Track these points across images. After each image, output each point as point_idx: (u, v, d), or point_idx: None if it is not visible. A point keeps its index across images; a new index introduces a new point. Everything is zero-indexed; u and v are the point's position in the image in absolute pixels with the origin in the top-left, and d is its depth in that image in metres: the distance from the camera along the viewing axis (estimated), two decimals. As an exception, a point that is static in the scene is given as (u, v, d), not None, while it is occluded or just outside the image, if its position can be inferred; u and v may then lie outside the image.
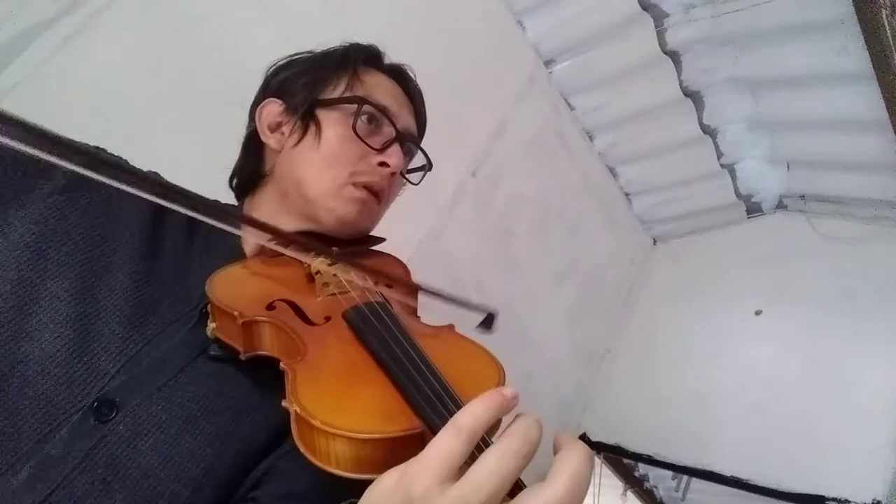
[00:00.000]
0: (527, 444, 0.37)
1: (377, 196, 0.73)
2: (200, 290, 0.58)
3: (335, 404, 0.44)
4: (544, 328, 2.37)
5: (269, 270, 0.66)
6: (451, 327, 0.60)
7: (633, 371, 2.61)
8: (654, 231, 2.88)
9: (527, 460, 0.37)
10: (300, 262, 0.65)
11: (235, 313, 0.54)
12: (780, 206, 2.58)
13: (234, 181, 0.80)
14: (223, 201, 0.77)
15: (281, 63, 0.79)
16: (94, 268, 0.57)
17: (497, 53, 2.05)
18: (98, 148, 0.67)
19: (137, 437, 0.52)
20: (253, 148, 0.77)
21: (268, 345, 0.54)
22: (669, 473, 2.84)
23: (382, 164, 0.72)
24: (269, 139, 0.75)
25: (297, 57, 0.79)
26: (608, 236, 2.66)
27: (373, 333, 0.51)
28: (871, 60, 1.75)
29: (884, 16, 1.62)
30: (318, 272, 0.62)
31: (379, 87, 0.76)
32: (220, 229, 0.71)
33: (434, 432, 0.39)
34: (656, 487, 3.14)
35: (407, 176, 0.80)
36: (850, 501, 1.92)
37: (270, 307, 0.56)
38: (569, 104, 2.36)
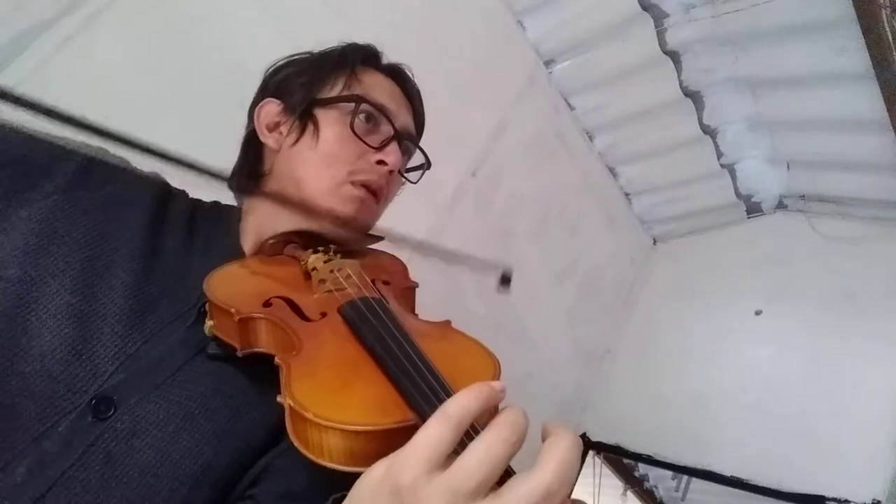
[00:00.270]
0: (515, 433, 0.37)
1: (376, 195, 0.73)
2: (200, 289, 0.58)
3: (329, 398, 0.44)
4: (544, 328, 2.37)
5: (266, 269, 0.66)
6: (447, 323, 0.60)
7: (633, 371, 2.61)
8: (654, 231, 2.88)
9: (515, 448, 0.37)
10: (297, 259, 0.66)
11: (232, 310, 0.54)
12: (780, 206, 2.58)
13: (234, 181, 0.80)
14: (223, 201, 0.78)
15: (279, 63, 0.79)
16: (95, 266, 0.58)
17: (497, 53, 2.06)
18: (100, 148, 0.68)
19: (135, 435, 0.52)
20: (252, 148, 0.78)
21: (264, 341, 0.54)
22: (669, 473, 2.84)
23: (381, 162, 0.72)
24: (268, 139, 0.75)
25: (295, 57, 0.80)
26: (608, 236, 2.66)
27: (368, 328, 0.51)
28: (871, 60, 1.75)
29: (884, 16, 1.62)
30: (314, 269, 0.62)
31: (377, 87, 0.76)
32: (220, 230, 0.71)
33: None
34: (656, 487, 3.14)
35: (406, 175, 0.81)
36: (850, 501, 1.92)
37: (267, 304, 0.56)
38: (569, 104, 2.36)
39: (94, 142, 0.55)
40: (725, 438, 2.24)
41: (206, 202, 0.75)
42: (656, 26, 2.03)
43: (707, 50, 2.06)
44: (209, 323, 0.57)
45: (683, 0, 1.95)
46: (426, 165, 0.83)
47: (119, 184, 0.65)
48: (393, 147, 0.73)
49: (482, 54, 1.99)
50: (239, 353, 0.55)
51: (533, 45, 2.17)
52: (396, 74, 0.80)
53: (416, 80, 0.83)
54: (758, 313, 2.43)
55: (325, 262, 0.63)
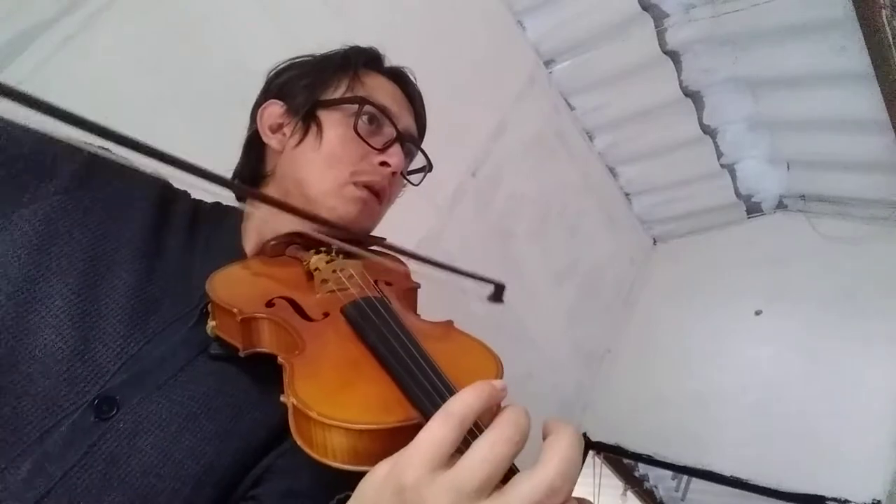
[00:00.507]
0: (518, 432, 0.37)
1: (378, 196, 0.73)
2: (202, 289, 0.58)
3: (332, 397, 0.44)
4: (544, 328, 2.37)
5: (268, 269, 0.66)
6: (449, 323, 0.60)
7: (633, 371, 2.61)
8: (654, 231, 2.89)
9: (518, 447, 0.37)
10: (299, 260, 0.66)
11: (235, 310, 0.54)
12: (780, 206, 2.58)
13: (236, 182, 0.80)
14: (223, 202, 0.78)
15: (282, 66, 0.80)
16: (97, 266, 0.58)
17: (497, 53, 2.06)
18: (102, 147, 0.68)
19: (137, 435, 0.52)
20: (254, 149, 0.78)
21: (266, 341, 0.54)
22: (669, 473, 2.84)
23: (383, 163, 0.72)
24: (271, 140, 0.75)
25: (297, 59, 0.80)
26: (608, 236, 2.66)
27: (371, 328, 0.51)
28: (871, 60, 1.75)
29: (884, 16, 1.62)
30: (316, 269, 0.62)
31: (379, 89, 0.76)
32: (222, 230, 0.71)
33: None
34: (656, 487, 3.14)
35: (407, 177, 0.81)
36: (850, 501, 1.92)
37: (269, 304, 0.56)
38: (569, 104, 2.36)
39: (97, 142, 0.55)
40: (725, 438, 2.24)
41: (207, 203, 0.75)
42: (656, 26, 2.03)
43: (707, 50, 2.06)
44: (211, 323, 0.58)
45: (683, 0, 1.95)
46: (428, 167, 0.84)
47: (121, 183, 0.65)
48: (396, 149, 0.73)
49: (482, 54, 1.99)
50: (241, 354, 0.55)
51: (533, 45, 2.18)
52: (398, 77, 0.81)
53: (417, 82, 0.83)
54: (758, 313, 2.43)
55: (327, 262, 0.63)
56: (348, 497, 0.40)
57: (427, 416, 0.40)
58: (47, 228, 0.57)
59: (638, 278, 2.81)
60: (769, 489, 2.07)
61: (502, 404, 0.41)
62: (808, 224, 2.45)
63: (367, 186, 0.71)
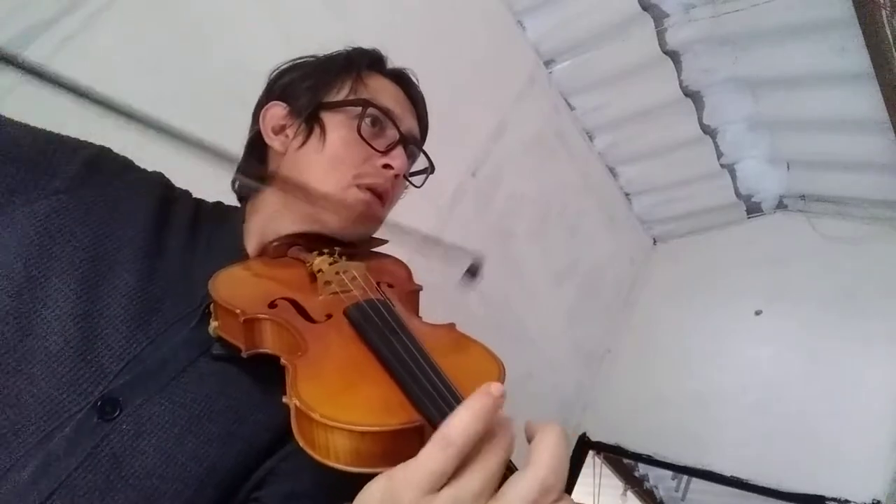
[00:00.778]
0: (504, 449, 0.38)
1: (381, 198, 0.73)
2: (204, 289, 0.58)
3: (335, 398, 0.44)
4: (544, 328, 2.37)
5: (271, 270, 0.66)
6: (451, 325, 0.60)
7: (633, 371, 2.61)
8: (654, 231, 2.89)
9: (507, 452, 0.38)
10: (302, 261, 0.66)
11: (237, 311, 0.54)
12: (780, 206, 2.59)
13: (237, 183, 0.80)
14: (225, 202, 0.78)
15: (284, 66, 0.79)
16: (99, 266, 0.58)
17: (497, 53, 2.06)
18: (103, 147, 0.68)
19: (140, 436, 0.52)
20: (256, 150, 0.78)
21: (269, 342, 0.54)
22: (669, 473, 2.85)
23: (386, 166, 0.72)
24: (274, 141, 0.75)
25: (299, 61, 0.80)
26: (608, 236, 2.66)
27: (373, 329, 0.51)
28: (871, 60, 1.75)
29: (884, 16, 1.62)
30: (319, 270, 0.62)
31: (382, 91, 0.76)
32: (223, 230, 0.71)
33: (434, 426, 0.39)
34: (656, 487, 3.15)
35: (409, 179, 0.81)
36: (850, 501, 1.92)
37: (272, 305, 0.56)
38: (569, 104, 2.36)
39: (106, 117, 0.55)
40: (725, 438, 2.24)
41: (208, 203, 0.75)
42: (656, 26, 2.03)
43: (707, 50, 2.06)
44: (214, 324, 0.57)
45: (683, 0, 1.96)
46: (430, 169, 0.84)
47: (122, 183, 0.65)
48: (399, 151, 0.73)
49: (482, 54, 1.99)
50: (244, 354, 0.55)
51: (533, 45, 2.18)
52: (401, 79, 0.80)
53: (419, 84, 0.83)
54: (758, 313, 2.43)
55: (330, 264, 0.63)
56: None
57: (429, 419, 0.41)
58: (49, 228, 0.57)
59: (638, 278, 2.82)
60: (769, 489, 2.07)
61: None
62: (808, 224, 2.45)
63: (370, 189, 0.71)
